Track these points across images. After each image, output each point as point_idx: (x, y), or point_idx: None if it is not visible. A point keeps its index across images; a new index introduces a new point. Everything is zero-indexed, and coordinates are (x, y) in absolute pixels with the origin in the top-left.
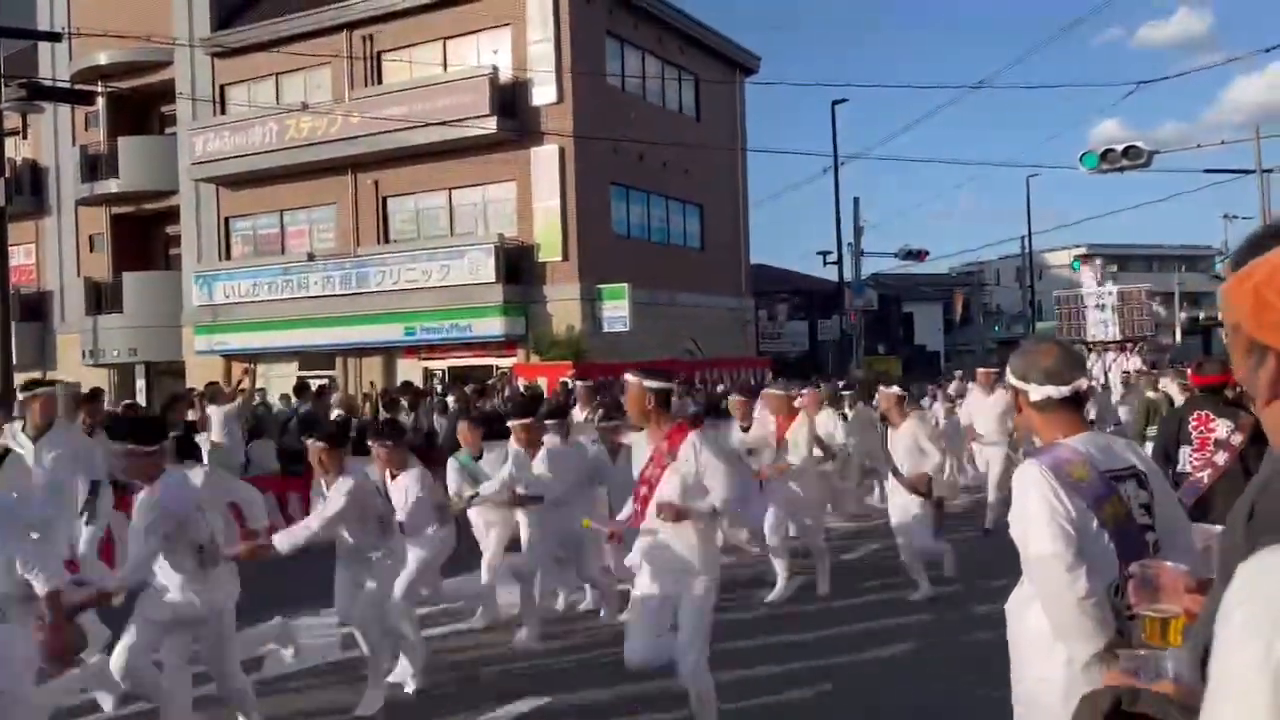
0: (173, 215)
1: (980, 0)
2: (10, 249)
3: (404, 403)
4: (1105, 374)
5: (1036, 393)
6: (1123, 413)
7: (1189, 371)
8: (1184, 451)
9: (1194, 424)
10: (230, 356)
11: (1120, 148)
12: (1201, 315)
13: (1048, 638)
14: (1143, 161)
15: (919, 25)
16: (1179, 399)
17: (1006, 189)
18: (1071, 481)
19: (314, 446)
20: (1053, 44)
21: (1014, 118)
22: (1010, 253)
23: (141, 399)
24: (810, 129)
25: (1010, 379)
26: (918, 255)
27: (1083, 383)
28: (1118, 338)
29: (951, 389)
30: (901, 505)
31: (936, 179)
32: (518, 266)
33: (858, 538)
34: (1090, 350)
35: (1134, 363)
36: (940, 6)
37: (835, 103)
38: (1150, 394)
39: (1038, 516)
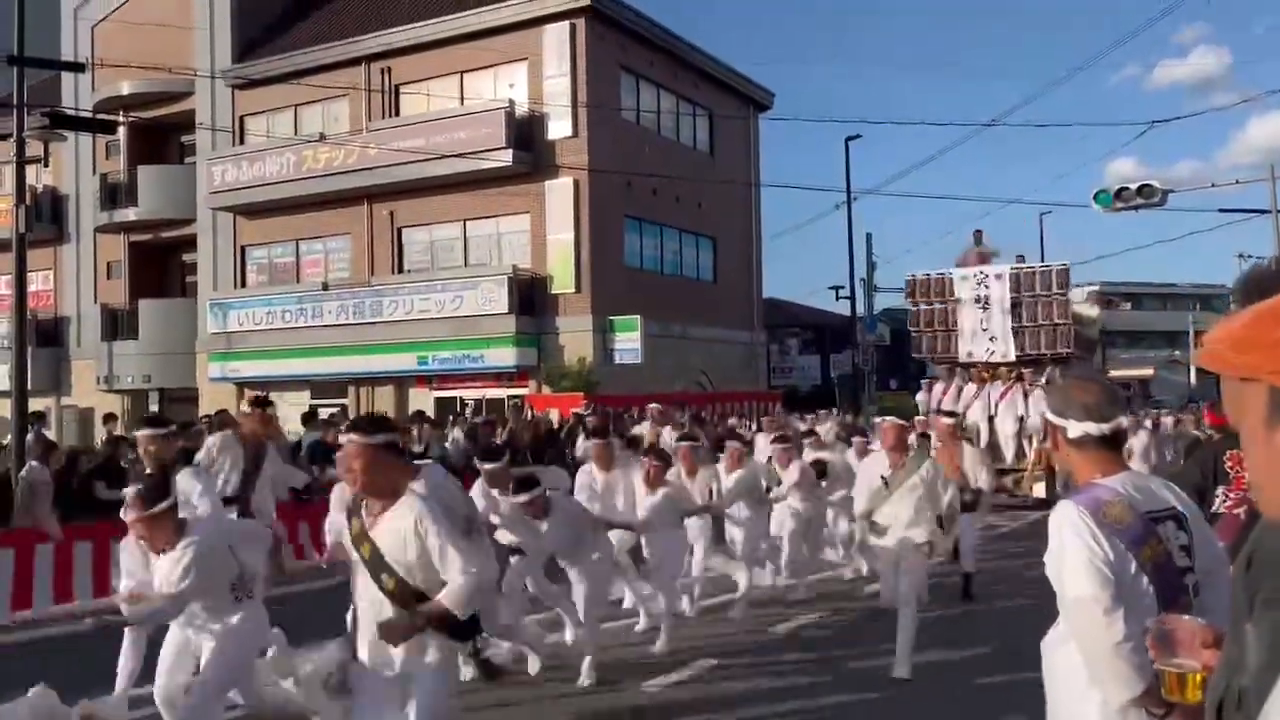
0: (190, 243)
1: (995, 38)
2: (28, 275)
3: (415, 432)
4: (978, 431)
5: (1075, 430)
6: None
7: (1205, 411)
8: (1219, 491)
9: (1229, 463)
10: (243, 384)
11: (1134, 186)
12: (1178, 353)
13: (1083, 678)
14: (1157, 200)
15: (933, 63)
16: None
17: (1020, 226)
18: (1109, 523)
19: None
20: (1068, 82)
21: (1028, 155)
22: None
23: None
24: (824, 164)
25: (1047, 415)
26: None
27: (1122, 421)
28: (1009, 358)
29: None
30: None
31: (950, 215)
32: (531, 298)
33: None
34: (953, 377)
35: (1039, 400)
36: (955, 44)
37: (849, 139)
38: (1196, 432)
39: (1074, 558)
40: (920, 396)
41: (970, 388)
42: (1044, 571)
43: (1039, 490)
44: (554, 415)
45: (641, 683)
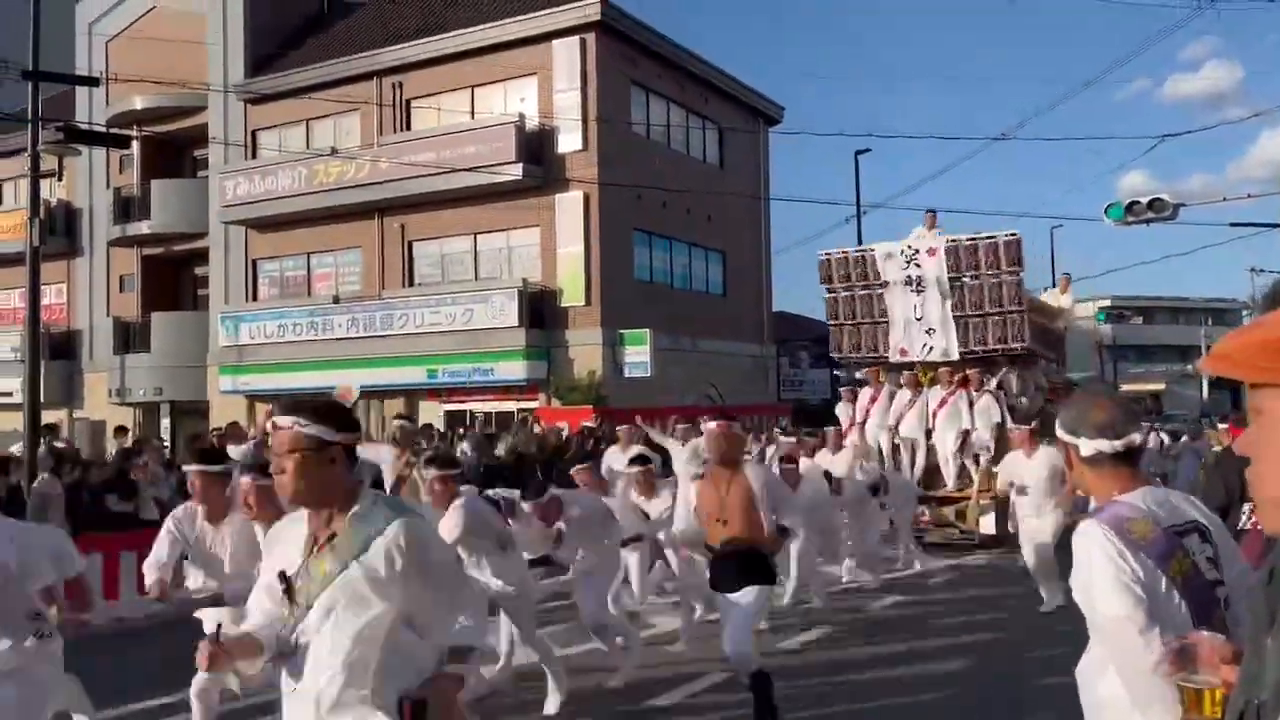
0: (202, 257)
1: (1005, 51)
2: (42, 288)
3: (424, 444)
4: (916, 450)
5: (1087, 447)
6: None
7: (1223, 426)
8: (1245, 508)
9: None
10: (254, 397)
11: (1146, 200)
12: (1190, 367)
13: (1124, 704)
14: (1168, 214)
15: (943, 76)
16: None
17: (1030, 240)
18: (1134, 539)
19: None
20: (1078, 95)
21: (1038, 168)
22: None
23: (166, 438)
24: (834, 176)
25: (1059, 433)
26: None
27: (1136, 437)
28: (952, 356)
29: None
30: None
31: (960, 228)
32: (540, 311)
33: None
34: (883, 382)
35: (987, 410)
36: (965, 57)
37: (858, 153)
38: (1215, 448)
39: (1103, 578)
40: (841, 408)
41: (903, 394)
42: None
43: (987, 525)
44: (564, 428)
45: (648, 699)
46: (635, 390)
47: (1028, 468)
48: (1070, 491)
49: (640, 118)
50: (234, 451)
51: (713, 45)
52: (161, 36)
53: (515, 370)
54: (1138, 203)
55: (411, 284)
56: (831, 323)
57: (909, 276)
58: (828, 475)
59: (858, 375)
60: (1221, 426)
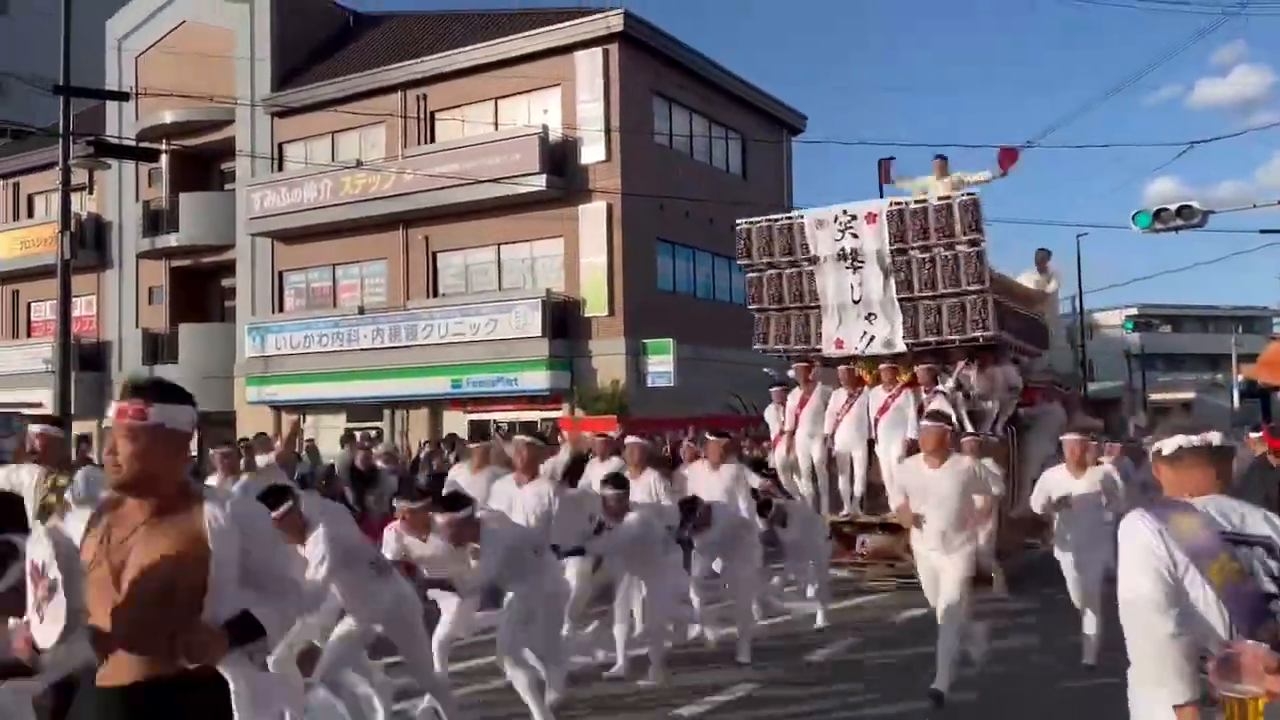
0: (229, 269)
1: (1031, 58)
2: (72, 300)
3: (448, 455)
4: (854, 464)
5: (1169, 445)
6: None
7: (1253, 435)
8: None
9: None
10: (280, 407)
11: (1174, 207)
12: (1220, 376)
13: (1165, 710)
14: (1197, 221)
15: (968, 83)
16: None
17: (1057, 248)
18: (1172, 531)
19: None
20: (1106, 101)
21: (1065, 176)
22: (1060, 312)
23: (194, 448)
24: (857, 184)
25: (1144, 446)
26: None
27: (1215, 436)
28: (896, 347)
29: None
30: None
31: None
32: (564, 321)
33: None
34: (814, 381)
35: (934, 399)
36: (991, 63)
37: (881, 161)
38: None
39: (1130, 559)
40: (769, 412)
41: (839, 395)
42: None
43: None
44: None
45: (672, 710)
46: (658, 400)
47: (930, 481)
48: (986, 511)
49: (663, 128)
50: (261, 461)
51: (734, 55)
52: (190, 51)
53: (539, 380)
54: (1166, 210)
55: (436, 295)
56: (754, 308)
57: (843, 249)
58: (691, 503)
59: (789, 373)
60: (1254, 435)
